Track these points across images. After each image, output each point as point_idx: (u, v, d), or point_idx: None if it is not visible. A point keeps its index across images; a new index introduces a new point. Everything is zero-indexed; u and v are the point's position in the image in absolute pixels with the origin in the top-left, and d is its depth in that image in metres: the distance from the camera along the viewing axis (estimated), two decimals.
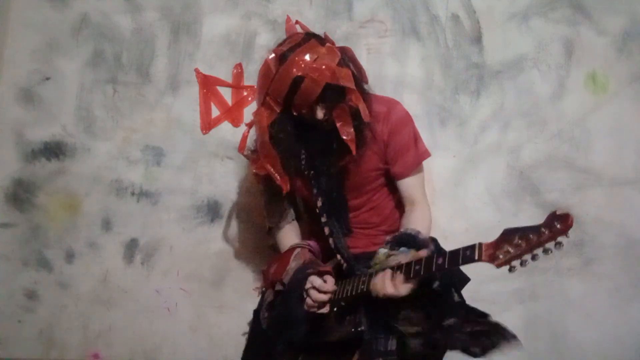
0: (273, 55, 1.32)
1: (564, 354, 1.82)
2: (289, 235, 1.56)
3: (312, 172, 1.41)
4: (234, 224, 1.89)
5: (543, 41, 1.87)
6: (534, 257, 0.99)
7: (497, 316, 1.84)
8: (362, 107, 1.33)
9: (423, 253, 1.18)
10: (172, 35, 1.91)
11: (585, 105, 1.86)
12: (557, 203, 1.84)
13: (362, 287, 1.23)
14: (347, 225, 1.46)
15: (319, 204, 1.41)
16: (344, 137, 1.31)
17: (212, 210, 1.89)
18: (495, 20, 1.88)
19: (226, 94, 1.92)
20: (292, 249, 1.45)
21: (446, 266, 1.09)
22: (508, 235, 1.03)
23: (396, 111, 1.45)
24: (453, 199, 1.85)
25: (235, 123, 1.90)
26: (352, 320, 1.29)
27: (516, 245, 1.01)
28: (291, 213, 1.58)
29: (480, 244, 1.06)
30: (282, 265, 1.41)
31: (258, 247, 1.86)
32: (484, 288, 1.82)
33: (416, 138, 1.48)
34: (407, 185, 1.48)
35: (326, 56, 1.29)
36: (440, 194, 1.85)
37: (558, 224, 0.98)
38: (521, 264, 1.00)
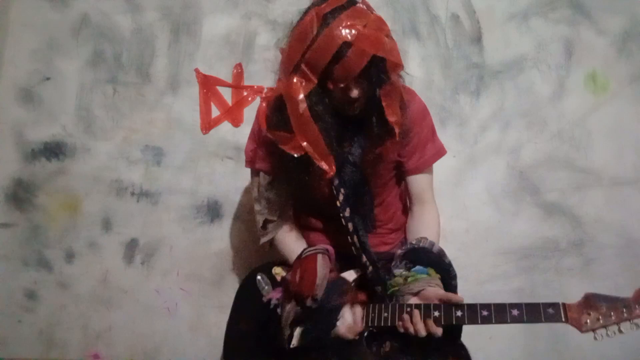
0: (313, 14, 1.10)
1: (564, 354, 1.82)
2: (294, 236, 1.43)
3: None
4: (234, 224, 1.89)
5: (543, 41, 1.87)
6: (620, 330, 1.02)
7: None
8: (402, 88, 1.21)
9: (438, 288, 1.16)
10: (172, 35, 1.91)
11: (585, 105, 1.86)
12: (557, 203, 1.84)
13: (399, 322, 1.17)
14: (373, 221, 1.36)
15: (341, 197, 1.26)
16: (392, 120, 1.16)
17: (212, 210, 1.89)
18: (495, 20, 1.88)
19: (226, 94, 1.92)
20: (313, 255, 1.29)
21: (524, 320, 1.06)
22: (593, 301, 1.04)
23: (416, 101, 1.35)
24: (453, 199, 1.85)
25: (235, 123, 1.90)
26: (379, 346, 1.23)
27: (604, 315, 1.02)
28: (289, 208, 1.44)
29: (564, 305, 1.05)
30: (309, 276, 1.24)
31: (258, 247, 1.86)
32: (484, 288, 1.82)
33: (434, 132, 1.40)
34: (419, 182, 1.38)
35: (376, 24, 1.12)
36: (440, 194, 1.83)
37: None
38: (607, 335, 1.03)
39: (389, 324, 1.18)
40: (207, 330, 1.88)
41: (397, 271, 1.23)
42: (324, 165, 1.16)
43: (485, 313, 1.08)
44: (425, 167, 1.38)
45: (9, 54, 1.93)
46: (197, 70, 1.91)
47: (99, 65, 1.92)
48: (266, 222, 1.41)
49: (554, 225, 1.84)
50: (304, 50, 1.10)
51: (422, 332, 1.11)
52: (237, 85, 1.91)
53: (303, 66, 1.11)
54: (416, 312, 1.13)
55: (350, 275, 1.31)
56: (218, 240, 1.89)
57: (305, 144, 1.15)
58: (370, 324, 1.22)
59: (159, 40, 1.91)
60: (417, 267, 1.20)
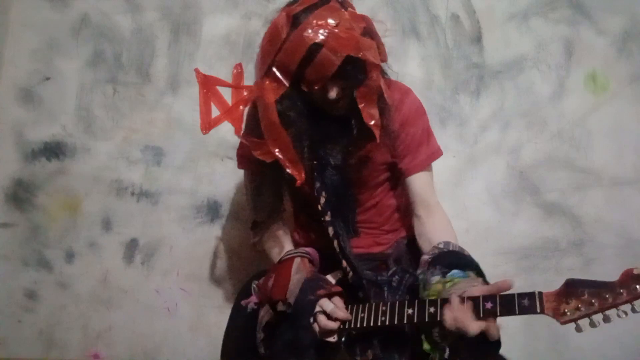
0: (284, 15, 1.09)
1: (564, 354, 1.82)
2: (280, 239, 1.37)
3: (314, 162, 1.21)
4: (234, 224, 1.89)
5: (543, 41, 1.87)
6: (605, 319, 0.89)
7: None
8: (384, 87, 1.14)
9: (482, 286, 1.04)
10: (172, 35, 1.91)
11: (585, 105, 1.86)
12: (557, 203, 1.84)
13: (383, 318, 1.09)
14: (354, 225, 1.31)
15: (322, 200, 1.22)
16: (369, 123, 1.11)
17: (212, 210, 1.89)
18: (495, 20, 1.88)
19: (226, 94, 1.91)
20: (290, 259, 1.24)
21: (497, 314, 0.97)
22: (574, 288, 0.94)
23: (410, 100, 1.30)
24: (453, 199, 1.85)
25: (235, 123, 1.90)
26: (363, 349, 1.16)
27: (587, 302, 0.91)
28: (280, 208, 1.40)
29: (540, 293, 0.96)
30: (282, 280, 1.19)
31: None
32: None
33: (429, 133, 1.33)
34: (418, 183, 1.31)
35: (349, 23, 1.07)
36: (440, 194, 1.82)
37: (638, 285, 0.88)
38: (590, 325, 0.90)
39: (379, 324, 1.10)
40: (207, 330, 1.88)
41: (433, 278, 1.11)
42: (293, 172, 1.13)
43: (490, 305, 0.99)
44: (418, 170, 1.31)
45: (9, 54, 1.93)
46: (197, 70, 1.91)
47: (99, 65, 1.92)
48: (255, 223, 1.39)
49: (554, 225, 1.84)
50: (275, 52, 1.08)
51: (474, 329, 0.97)
52: (237, 85, 1.91)
53: (274, 69, 1.09)
54: (467, 305, 1.00)
55: (333, 276, 1.26)
56: (218, 240, 1.89)
57: (276, 150, 1.11)
58: (351, 326, 1.14)
59: (159, 40, 1.91)
60: (454, 271, 1.10)
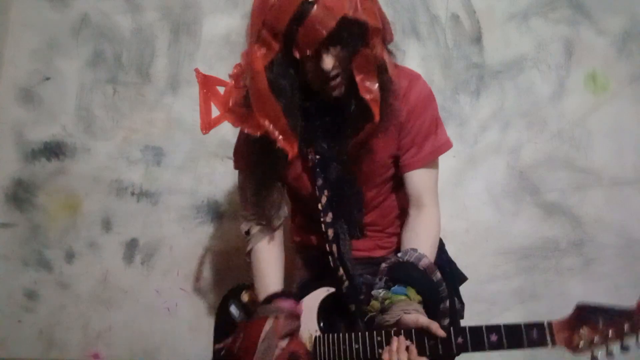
0: None
1: (564, 354, 1.81)
2: (271, 256, 1.25)
3: (317, 157, 1.12)
4: (234, 224, 1.89)
5: (543, 41, 1.87)
6: (624, 348, 0.82)
7: (497, 316, 1.86)
8: (388, 60, 1.02)
9: (417, 315, 0.98)
10: (172, 35, 1.91)
11: (585, 105, 1.86)
12: (557, 203, 1.84)
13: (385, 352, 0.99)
14: (361, 225, 1.18)
15: (323, 199, 1.12)
16: (366, 97, 0.98)
17: (212, 210, 1.89)
18: (495, 20, 1.88)
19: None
20: (262, 319, 1.11)
21: (505, 347, 0.90)
22: (587, 314, 0.85)
23: (418, 88, 1.15)
24: (453, 199, 1.85)
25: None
26: None
27: (601, 332, 0.83)
28: (284, 210, 1.24)
29: (550, 324, 0.88)
30: (249, 344, 1.08)
31: None
32: (484, 288, 1.82)
33: (437, 124, 1.18)
34: (416, 180, 1.16)
35: None
36: (440, 194, 1.84)
37: None
38: (607, 355, 0.83)
39: (362, 357, 1.02)
40: (207, 330, 1.87)
41: (375, 292, 1.06)
42: (284, 145, 1.01)
43: (431, 342, 0.94)
44: (419, 166, 1.16)
45: (9, 54, 1.93)
46: (197, 70, 1.91)
47: (99, 65, 1.92)
48: (248, 231, 1.29)
49: (554, 225, 1.84)
50: (265, 13, 0.96)
51: None
52: (237, 85, 1.91)
53: (263, 32, 0.97)
54: (399, 339, 0.96)
55: (320, 293, 1.18)
56: (218, 240, 1.89)
57: (266, 122, 1.00)
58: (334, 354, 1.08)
59: (159, 40, 1.91)
60: (396, 287, 1.04)
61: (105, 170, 1.91)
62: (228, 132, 1.90)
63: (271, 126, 1.01)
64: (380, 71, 1.01)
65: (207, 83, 1.92)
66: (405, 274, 1.05)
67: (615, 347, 0.83)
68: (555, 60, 1.86)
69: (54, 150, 1.91)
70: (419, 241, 1.13)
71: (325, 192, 1.13)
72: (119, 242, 1.90)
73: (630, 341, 0.82)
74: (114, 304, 1.90)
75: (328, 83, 1.02)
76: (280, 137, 1.01)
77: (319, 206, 1.14)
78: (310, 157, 1.13)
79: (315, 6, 0.92)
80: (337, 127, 1.08)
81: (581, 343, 0.84)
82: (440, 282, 1.07)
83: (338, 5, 0.93)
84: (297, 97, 1.03)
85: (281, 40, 0.97)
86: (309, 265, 1.37)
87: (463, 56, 1.87)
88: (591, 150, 1.85)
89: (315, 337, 1.13)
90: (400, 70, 1.14)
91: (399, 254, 1.12)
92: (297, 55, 0.97)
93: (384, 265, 1.11)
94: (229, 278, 1.89)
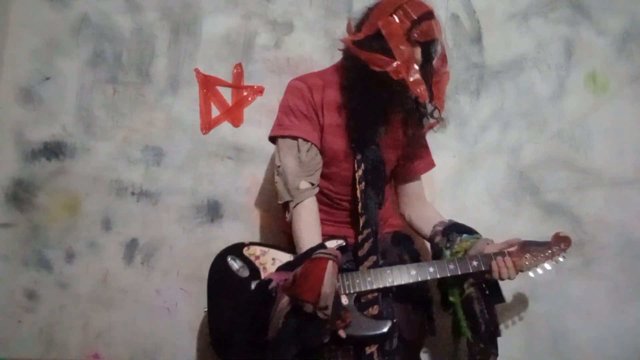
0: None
1: (564, 354, 1.82)
2: (314, 219, 1.43)
3: (357, 138, 1.44)
4: (234, 224, 1.89)
5: (543, 41, 1.87)
6: (548, 264, 1.44)
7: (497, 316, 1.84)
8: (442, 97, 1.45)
9: (495, 243, 1.46)
10: (172, 35, 1.91)
11: (585, 105, 1.86)
12: (557, 203, 1.84)
13: (391, 280, 1.36)
14: (384, 197, 1.47)
15: (360, 172, 1.43)
16: (438, 102, 1.43)
17: (212, 210, 1.89)
18: (495, 20, 1.88)
19: (226, 94, 1.92)
20: (324, 260, 1.28)
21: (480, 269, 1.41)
22: (527, 247, 1.42)
23: None
24: (453, 199, 1.85)
25: (235, 123, 1.90)
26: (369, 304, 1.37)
27: (536, 256, 1.42)
28: (316, 176, 1.46)
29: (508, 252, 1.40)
30: (314, 281, 1.23)
31: None
32: None
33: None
34: (418, 181, 1.63)
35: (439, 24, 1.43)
36: (440, 194, 1.85)
37: (562, 243, 1.45)
38: (538, 271, 1.44)
39: (374, 287, 1.36)
40: (207, 331, 1.87)
41: (458, 239, 1.45)
42: (419, 91, 1.35)
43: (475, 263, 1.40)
44: (429, 169, 1.63)
45: (9, 54, 1.93)
46: (197, 70, 1.91)
47: (99, 65, 1.92)
48: (286, 204, 1.43)
49: (554, 225, 1.83)
50: (402, 2, 1.37)
51: (514, 276, 1.39)
52: (237, 85, 1.91)
53: (402, 10, 1.36)
54: (508, 259, 1.38)
55: (332, 244, 1.40)
56: (218, 240, 1.89)
57: (404, 71, 1.33)
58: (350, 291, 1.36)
59: (159, 40, 1.91)
60: (465, 236, 1.46)
61: (105, 170, 1.91)
62: (228, 132, 1.91)
63: (407, 76, 1.34)
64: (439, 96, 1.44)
65: (207, 83, 1.93)
66: (464, 228, 1.50)
67: (544, 265, 1.43)
68: (555, 60, 1.87)
69: (54, 150, 1.91)
70: (439, 216, 1.58)
71: (363, 165, 1.44)
72: (119, 242, 1.90)
73: (550, 262, 1.44)
74: (114, 304, 1.89)
75: (409, 72, 1.35)
76: (410, 78, 1.35)
77: (356, 176, 1.44)
78: (355, 134, 1.45)
79: (433, 19, 1.39)
80: (385, 117, 1.46)
81: (527, 263, 1.41)
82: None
83: (438, 30, 1.41)
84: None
85: (410, 23, 1.36)
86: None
87: (463, 56, 1.88)
88: (591, 150, 1.85)
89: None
90: None
91: (443, 221, 1.54)
92: (416, 36, 1.36)
93: (439, 228, 1.51)
94: None
